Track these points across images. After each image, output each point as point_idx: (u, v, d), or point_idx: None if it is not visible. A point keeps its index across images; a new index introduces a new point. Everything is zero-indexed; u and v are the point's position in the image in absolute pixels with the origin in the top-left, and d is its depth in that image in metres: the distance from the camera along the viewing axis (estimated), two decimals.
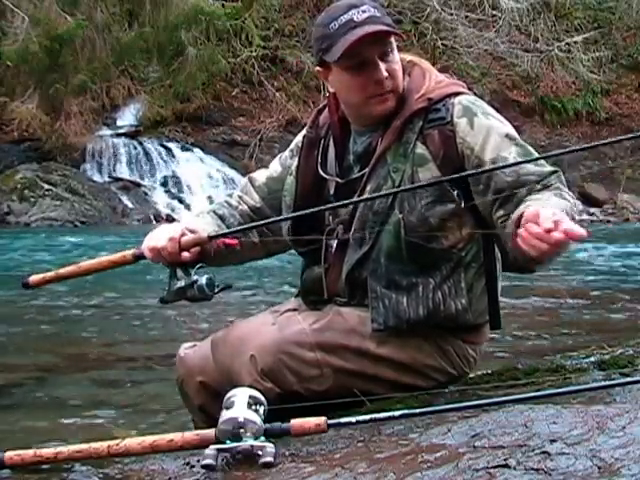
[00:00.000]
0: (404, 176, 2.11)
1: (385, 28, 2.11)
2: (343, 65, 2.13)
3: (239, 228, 2.25)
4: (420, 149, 2.12)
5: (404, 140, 2.13)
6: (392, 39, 2.14)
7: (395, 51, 2.16)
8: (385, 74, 2.11)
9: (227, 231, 2.25)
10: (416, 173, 2.10)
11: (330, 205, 2.17)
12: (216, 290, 2.17)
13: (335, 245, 2.21)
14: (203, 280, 2.14)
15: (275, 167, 2.39)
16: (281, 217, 2.27)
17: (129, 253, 2.23)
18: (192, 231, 2.18)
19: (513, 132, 2.13)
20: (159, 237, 2.16)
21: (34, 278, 2.32)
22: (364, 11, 2.11)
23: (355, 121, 2.24)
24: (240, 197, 2.39)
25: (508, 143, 2.08)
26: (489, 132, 2.09)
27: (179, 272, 2.16)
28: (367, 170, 2.16)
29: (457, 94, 2.16)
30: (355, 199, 2.16)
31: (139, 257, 2.22)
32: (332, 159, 2.27)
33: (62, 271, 2.30)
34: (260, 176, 2.41)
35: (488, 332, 2.29)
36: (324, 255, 2.23)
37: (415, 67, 2.22)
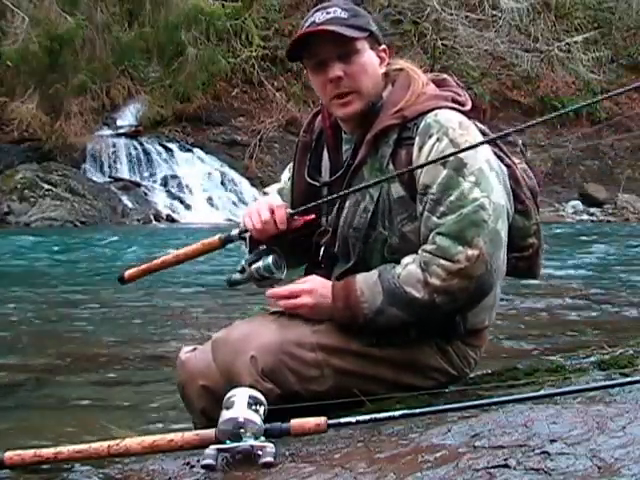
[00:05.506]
0: (382, 191, 2.09)
1: (333, 28, 2.07)
2: (308, 65, 2.17)
3: (318, 202, 2.20)
4: (391, 166, 2.10)
5: (380, 154, 2.11)
6: (358, 41, 2.11)
7: (362, 53, 2.12)
8: (339, 74, 2.10)
9: (307, 206, 2.20)
10: (390, 189, 2.09)
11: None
12: (283, 271, 2.19)
13: (322, 252, 2.23)
14: (270, 259, 2.16)
15: (284, 177, 2.43)
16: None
17: (216, 237, 2.25)
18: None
19: (463, 160, 1.99)
20: (261, 205, 2.20)
21: (129, 272, 2.29)
22: (328, 13, 2.11)
23: (343, 126, 2.23)
24: None
25: (439, 169, 2.00)
26: (429, 156, 2.02)
27: (254, 251, 2.18)
28: (344, 183, 2.15)
29: (432, 110, 2.08)
30: (319, 201, 2.19)
31: (226, 240, 2.25)
32: (326, 163, 2.28)
33: (156, 262, 2.28)
34: (272, 188, 2.47)
35: (487, 336, 2.29)
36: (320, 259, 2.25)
37: (401, 76, 2.17)
